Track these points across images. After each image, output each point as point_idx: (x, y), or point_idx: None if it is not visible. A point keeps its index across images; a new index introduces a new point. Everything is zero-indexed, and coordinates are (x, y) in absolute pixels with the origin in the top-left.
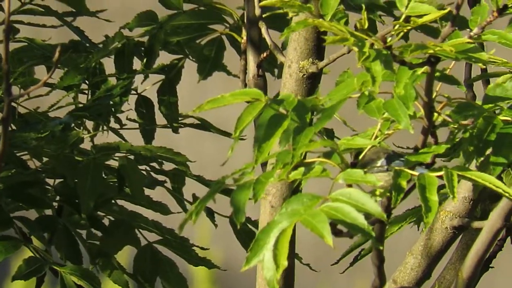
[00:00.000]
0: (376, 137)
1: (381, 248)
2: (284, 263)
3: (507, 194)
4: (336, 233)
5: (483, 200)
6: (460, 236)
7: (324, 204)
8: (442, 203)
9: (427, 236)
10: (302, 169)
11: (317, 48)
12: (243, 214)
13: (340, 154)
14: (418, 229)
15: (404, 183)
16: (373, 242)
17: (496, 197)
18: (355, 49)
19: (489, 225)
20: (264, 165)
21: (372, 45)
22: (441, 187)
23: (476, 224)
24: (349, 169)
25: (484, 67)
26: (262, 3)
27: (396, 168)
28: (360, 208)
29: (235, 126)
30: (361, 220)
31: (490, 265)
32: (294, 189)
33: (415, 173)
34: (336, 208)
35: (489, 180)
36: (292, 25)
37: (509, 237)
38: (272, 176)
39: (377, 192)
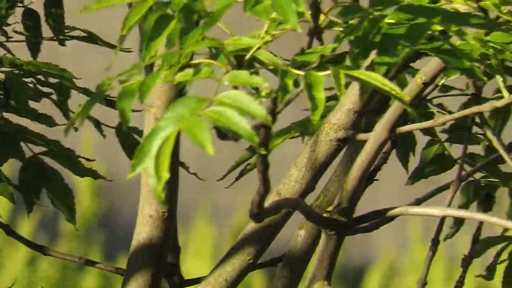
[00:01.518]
0: (263, 38)
1: (264, 153)
2: (166, 175)
3: (393, 92)
4: (221, 136)
5: (368, 112)
6: (345, 149)
7: (208, 108)
8: (327, 115)
9: (311, 148)
10: (189, 70)
11: None
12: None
13: (227, 55)
14: (303, 141)
15: (290, 83)
16: (256, 147)
17: (380, 109)
18: None
19: (373, 137)
20: None
21: None
22: (328, 99)
23: (361, 136)
24: (235, 70)
25: None
26: None
27: (283, 68)
28: (244, 111)
29: (122, 25)
30: (243, 124)
31: (375, 178)
32: (179, 93)
33: (302, 73)
34: (219, 111)
35: (376, 78)
36: None
37: (394, 149)
38: (158, 77)
39: (263, 93)
